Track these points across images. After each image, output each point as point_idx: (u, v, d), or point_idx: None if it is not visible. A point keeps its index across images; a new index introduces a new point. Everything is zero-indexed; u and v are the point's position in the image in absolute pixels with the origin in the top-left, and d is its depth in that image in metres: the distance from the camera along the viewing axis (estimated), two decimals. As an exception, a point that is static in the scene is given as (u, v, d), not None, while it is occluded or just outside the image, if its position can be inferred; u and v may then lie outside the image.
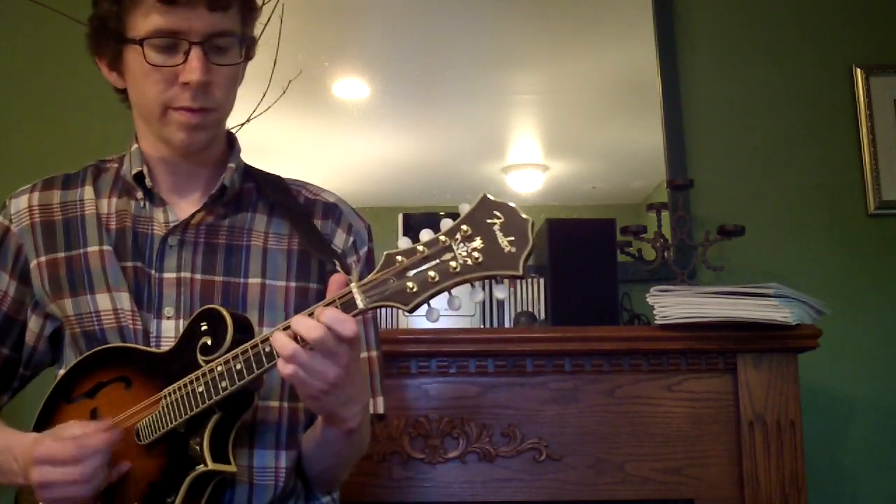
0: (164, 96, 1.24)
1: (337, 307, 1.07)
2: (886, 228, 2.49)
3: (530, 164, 2.57)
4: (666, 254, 2.29)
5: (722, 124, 2.54)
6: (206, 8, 1.21)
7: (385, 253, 1.05)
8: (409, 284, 1.03)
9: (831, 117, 2.54)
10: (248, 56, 1.33)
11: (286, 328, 1.09)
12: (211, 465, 1.15)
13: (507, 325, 2.24)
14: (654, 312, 1.97)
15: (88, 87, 2.51)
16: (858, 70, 2.55)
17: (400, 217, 2.17)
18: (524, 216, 1.02)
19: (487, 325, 2.25)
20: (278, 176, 1.44)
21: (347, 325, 1.06)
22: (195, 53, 1.22)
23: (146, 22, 1.21)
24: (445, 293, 1.04)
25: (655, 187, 2.51)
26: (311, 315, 1.08)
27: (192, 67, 1.21)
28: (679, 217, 2.36)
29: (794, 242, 2.47)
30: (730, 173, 2.51)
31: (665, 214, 2.35)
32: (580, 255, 2.09)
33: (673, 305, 1.95)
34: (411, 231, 2.13)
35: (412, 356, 1.97)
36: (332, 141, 2.52)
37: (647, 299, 1.99)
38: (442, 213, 2.18)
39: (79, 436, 1.15)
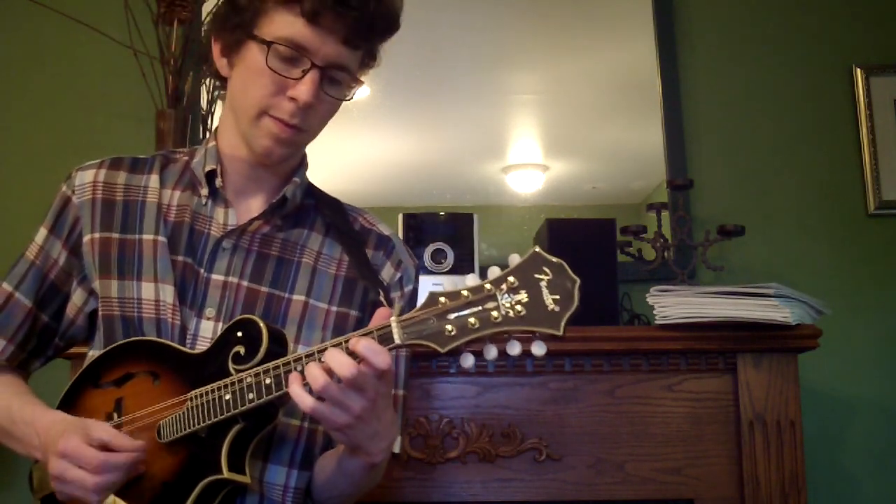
0: (267, 101, 1.25)
1: (374, 338, 1.07)
2: (886, 228, 2.49)
3: (530, 164, 2.57)
4: (666, 254, 2.29)
5: (722, 124, 2.54)
6: (340, 39, 1.24)
7: (429, 292, 1.05)
8: (448, 327, 1.03)
9: (831, 117, 2.54)
10: (350, 97, 1.33)
11: (321, 351, 1.09)
12: (226, 474, 1.15)
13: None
14: (654, 312, 1.97)
15: (89, 86, 2.53)
16: (858, 70, 2.55)
17: (400, 217, 2.17)
18: (573, 276, 1.02)
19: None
20: (338, 199, 1.45)
21: (381, 357, 1.05)
22: (312, 75, 1.23)
23: (282, 27, 1.23)
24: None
25: (655, 187, 2.51)
26: (346, 342, 1.08)
27: (306, 87, 1.23)
28: (679, 217, 2.36)
29: (794, 242, 2.47)
30: (730, 173, 2.51)
31: (665, 214, 2.35)
32: (580, 255, 2.06)
33: (673, 305, 1.95)
34: (411, 231, 2.14)
35: (412, 356, 1.97)
36: (332, 141, 2.51)
37: (647, 299, 1.99)
38: (442, 214, 2.18)
39: (108, 443, 1.16)
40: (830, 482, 2.34)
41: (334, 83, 1.27)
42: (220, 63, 1.32)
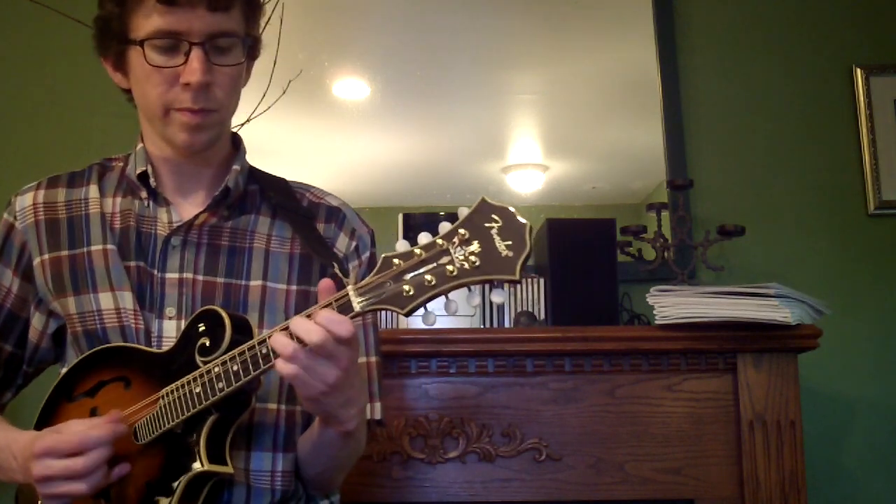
0: (165, 97, 1.24)
1: (333, 309, 1.07)
2: (886, 228, 2.49)
3: (530, 164, 2.57)
4: (666, 254, 2.29)
5: (722, 124, 2.54)
6: (206, 9, 1.21)
7: (382, 256, 1.05)
8: (406, 288, 1.02)
9: (831, 117, 2.54)
10: (253, 56, 1.33)
11: (284, 329, 1.09)
12: (206, 466, 1.15)
13: (507, 325, 2.24)
14: (654, 312, 1.97)
15: (89, 86, 2.53)
16: (858, 70, 2.55)
17: (400, 217, 2.17)
18: (522, 220, 1.00)
19: (487, 326, 2.25)
20: (283, 179, 1.44)
21: (343, 326, 1.06)
22: (195, 54, 1.22)
23: (147, 23, 1.22)
24: (442, 297, 1.03)
25: (655, 187, 2.51)
26: (307, 316, 1.07)
27: (193, 68, 1.21)
28: (679, 217, 2.36)
29: (795, 242, 2.47)
30: (730, 173, 2.51)
31: (665, 214, 2.34)
32: (580, 255, 2.09)
33: (673, 305, 1.95)
34: (411, 231, 2.14)
35: (412, 356, 1.97)
36: (332, 141, 2.52)
37: (647, 299, 1.99)
38: (442, 214, 2.18)
39: (82, 430, 1.15)
40: (830, 482, 2.34)
41: (223, 52, 1.25)
42: (117, 78, 1.32)
